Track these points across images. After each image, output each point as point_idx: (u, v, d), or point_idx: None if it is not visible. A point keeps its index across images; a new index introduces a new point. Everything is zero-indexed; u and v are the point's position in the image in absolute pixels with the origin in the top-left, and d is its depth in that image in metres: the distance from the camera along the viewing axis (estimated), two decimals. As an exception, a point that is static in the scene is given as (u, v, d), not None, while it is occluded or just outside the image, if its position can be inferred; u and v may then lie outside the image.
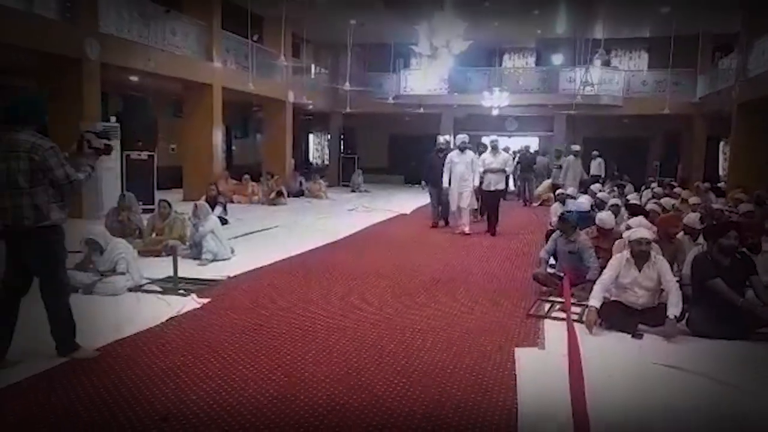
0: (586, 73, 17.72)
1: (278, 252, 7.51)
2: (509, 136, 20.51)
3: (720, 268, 4.52)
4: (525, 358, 3.91)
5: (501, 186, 9.86)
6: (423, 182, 11.52)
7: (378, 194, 17.73)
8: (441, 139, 11.38)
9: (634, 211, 7.32)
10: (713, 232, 4.77)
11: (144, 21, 11.78)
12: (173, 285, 5.56)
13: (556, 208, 8.85)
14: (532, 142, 20.08)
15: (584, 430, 2.86)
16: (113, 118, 11.44)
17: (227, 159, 19.35)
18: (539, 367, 3.77)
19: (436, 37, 11.18)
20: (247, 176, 14.93)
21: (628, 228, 5.41)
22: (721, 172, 19.63)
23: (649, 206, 7.64)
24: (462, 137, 9.85)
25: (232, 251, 7.23)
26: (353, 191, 18.69)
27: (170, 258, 5.91)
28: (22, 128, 3.44)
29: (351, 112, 20.24)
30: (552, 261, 6.09)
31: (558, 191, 10.02)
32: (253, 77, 14.81)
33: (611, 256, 5.09)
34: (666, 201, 8.62)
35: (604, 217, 6.24)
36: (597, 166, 16.07)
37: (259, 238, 8.96)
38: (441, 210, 10.36)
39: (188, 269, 6.26)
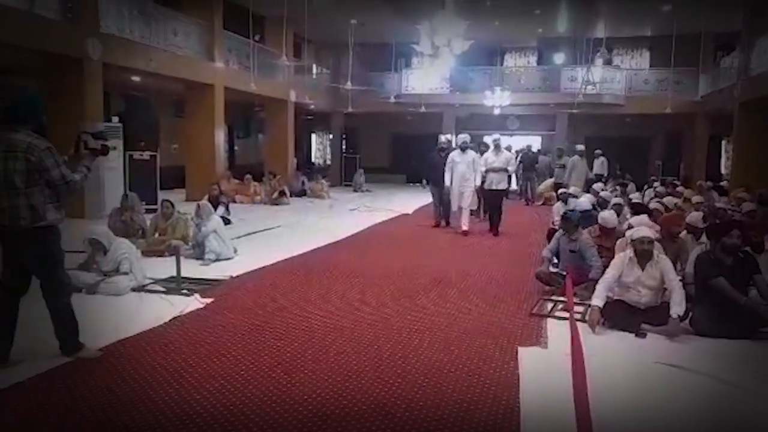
0: (588, 72, 17.71)
1: (280, 252, 7.52)
2: (511, 135, 20.49)
3: (723, 267, 4.51)
4: (528, 357, 3.91)
5: (503, 185, 9.83)
6: (424, 181, 11.50)
7: (380, 194, 17.74)
8: (443, 138, 11.40)
9: (638, 210, 7.33)
10: (716, 231, 4.76)
11: (145, 21, 11.80)
12: (176, 285, 5.57)
13: (558, 208, 8.85)
14: (534, 142, 20.08)
15: (587, 430, 2.86)
16: (115, 118, 11.45)
17: (229, 159, 19.36)
18: (542, 366, 3.77)
19: (438, 37, 11.18)
20: (249, 176, 14.95)
21: (630, 227, 5.41)
22: (723, 171, 19.62)
23: (652, 205, 7.63)
24: (463, 137, 9.86)
25: (235, 251, 7.24)
26: (355, 191, 18.71)
27: (173, 258, 5.92)
28: (19, 128, 3.44)
29: (353, 112, 20.24)
30: (555, 260, 6.09)
31: (560, 190, 10.01)
32: (254, 77, 14.82)
33: (614, 255, 5.09)
34: (668, 200, 8.61)
35: (607, 216, 6.24)
36: (600, 165, 16.06)
37: (262, 238, 8.97)
38: (442, 210, 10.35)
39: (191, 269, 6.27)
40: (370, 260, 7.28)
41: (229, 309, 4.95)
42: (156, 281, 5.74)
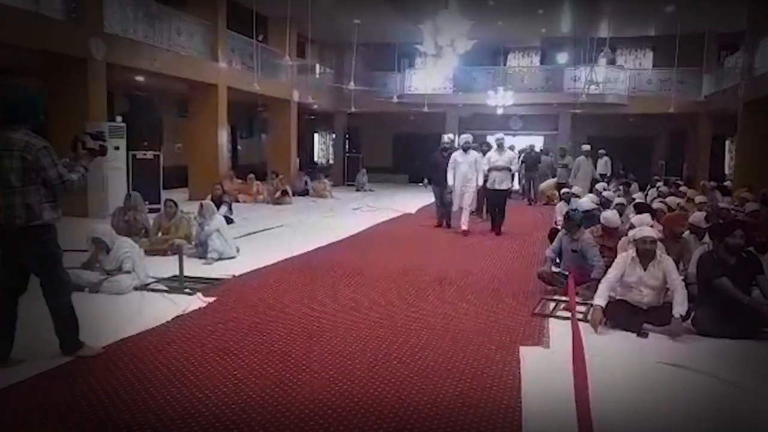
0: (591, 72, 17.68)
1: (283, 251, 7.53)
2: (514, 135, 20.48)
3: (726, 267, 4.51)
4: (530, 356, 3.91)
5: (506, 185, 9.75)
6: (426, 180, 11.47)
7: (382, 193, 17.75)
8: (445, 138, 11.37)
9: (642, 210, 7.31)
10: (719, 231, 4.76)
11: (149, 21, 11.83)
12: (179, 284, 5.58)
13: (561, 207, 8.84)
14: (537, 141, 20.06)
15: (588, 428, 2.86)
16: (119, 118, 11.50)
17: (232, 158, 19.41)
18: (544, 366, 3.76)
19: (441, 37, 11.17)
20: (252, 176, 14.97)
21: (632, 226, 5.40)
22: (726, 171, 19.57)
23: (656, 205, 7.62)
24: (466, 137, 9.83)
25: (238, 250, 7.25)
26: (358, 190, 18.72)
27: (176, 257, 5.94)
28: (18, 127, 3.43)
29: (356, 112, 20.27)
30: (557, 260, 6.08)
31: (563, 190, 10.00)
32: (258, 77, 14.84)
33: (616, 255, 5.08)
34: (671, 200, 8.60)
35: (609, 215, 6.24)
36: (603, 165, 16.06)
37: (264, 237, 8.98)
38: (444, 210, 10.31)
39: (194, 268, 6.28)
40: (373, 260, 7.29)
41: (231, 308, 4.96)
42: (159, 280, 5.75)
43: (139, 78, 13.29)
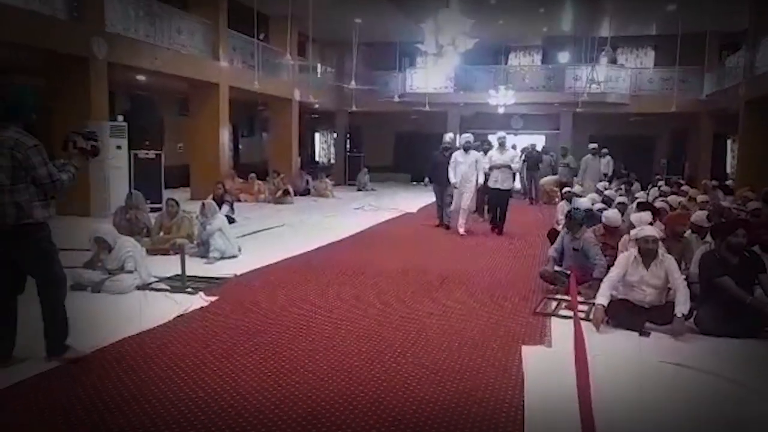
0: (593, 71, 17.64)
1: (284, 250, 7.53)
2: (515, 134, 20.46)
3: (728, 266, 4.50)
4: (532, 356, 3.91)
5: (508, 184, 9.66)
6: (427, 179, 11.44)
7: (384, 193, 17.75)
8: (447, 137, 11.33)
9: (645, 209, 7.30)
10: (721, 230, 4.75)
11: (150, 20, 11.83)
12: (181, 283, 5.59)
13: (562, 207, 8.84)
14: (539, 141, 20.04)
15: (590, 428, 2.86)
16: (120, 117, 11.49)
17: (234, 158, 19.41)
18: (546, 365, 3.76)
19: (442, 36, 11.15)
20: (253, 175, 14.97)
21: (631, 225, 5.40)
22: (728, 170, 19.55)
23: (657, 204, 7.62)
24: (467, 136, 9.79)
25: (239, 249, 7.26)
26: (359, 190, 18.71)
27: (178, 256, 5.95)
28: (8, 125, 3.40)
29: (357, 111, 20.25)
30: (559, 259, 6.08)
31: (565, 189, 10.00)
32: (259, 76, 14.83)
33: (618, 254, 5.08)
34: (673, 199, 8.60)
35: (611, 215, 6.23)
36: (605, 164, 16.01)
37: (266, 237, 8.98)
38: (444, 211, 10.24)
39: (196, 267, 6.29)
40: (374, 259, 7.29)
41: (233, 307, 4.96)
42: (161, 279, 5.76)
43: (141, 77, 13.30)
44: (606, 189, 10.21)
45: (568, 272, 5.74)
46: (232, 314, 4.76)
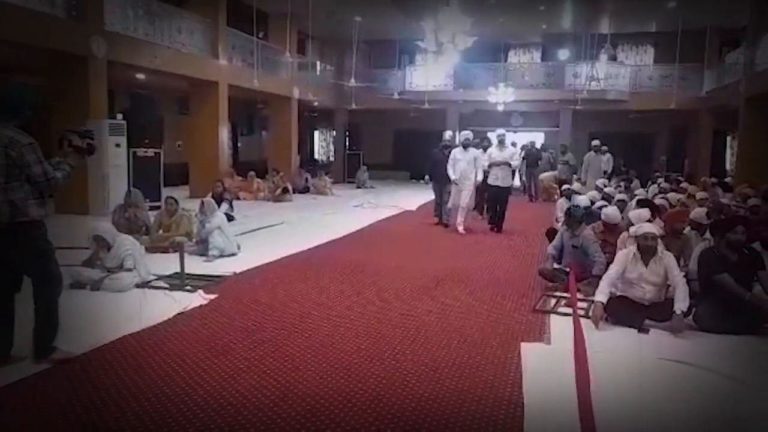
0: (592, 68, 17.64)
1: (284, 248, 7.53)
2: (515, 132, 20.47)
3: (727, 263, 4.50)
4: (531, 353, 3.91)
5: (508, 182, 9.65)
6: (426, 177, 11.42)
7: (383, 190, 17.74)
8: (447, 135, 11.33)
9: (644, 206, 7.31)
10: (720, 227, 4.76)
11: (149, 18, 11.82)
12: (180, 281, 5.58)
13: (561, 204, 8.84)
14: (538, 138, 20.05)
15: (590, 425, 2.86)
16: (120, 116, 11.48)
17: (233, 156, 19.40)
18: (545, 362, 3.76)
19: (442, 33, 11.15)
20: (252, 173, 14.97)
21: (630, 222, 5.40)
22: (728, 167, 19.55)
23: (657, 201, 7.62)
24: (466, 134, 9.76)
25: (239, 247, 7.25)
26: (358, 187, 18.70)
27: (177, 254, 5.94)
28: (2, 123, 3.38)
29: (356, 109, 20.26)
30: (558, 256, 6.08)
31: (564, 186, 9.99)
32: (258, 74, 14.84)
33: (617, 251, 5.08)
34: (672, 196, 8.60)
35: (610, 212, 6.23)
36: (605, 161, 16.01)
37: (265, 235, 8.98)
38: (441, 209, 10.23)
39: (195, 265, 6.28)
40: (373, 257, 7.29)
41: (232, 305, 4.96)
42: (160, 277, 5.75)
43: (140, 75, 13.28)
44: (605, 186, 10.20)
45: (568, 269, 5.74)
46: (232, 312, 4.76)
